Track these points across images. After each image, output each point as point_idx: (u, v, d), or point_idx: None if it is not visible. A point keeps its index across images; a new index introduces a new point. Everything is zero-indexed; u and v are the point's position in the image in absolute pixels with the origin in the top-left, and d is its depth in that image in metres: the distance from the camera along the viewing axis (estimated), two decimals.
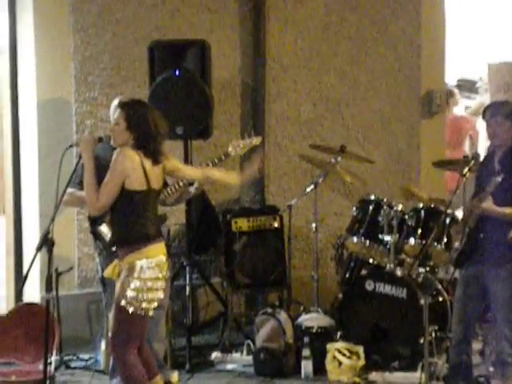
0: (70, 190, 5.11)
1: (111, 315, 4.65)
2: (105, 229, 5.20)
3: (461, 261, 5.12)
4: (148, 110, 4.61)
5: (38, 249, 4.38)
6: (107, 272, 4.65)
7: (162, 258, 4.55)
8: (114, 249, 4.81)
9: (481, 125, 9.55)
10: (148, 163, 4.54)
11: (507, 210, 4.83)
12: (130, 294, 4.45)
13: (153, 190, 4.57)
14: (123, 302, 4.46)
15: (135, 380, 4.53)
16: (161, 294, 4.55)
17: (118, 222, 4.60)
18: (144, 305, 4.47)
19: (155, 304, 4.53)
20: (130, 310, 4.45)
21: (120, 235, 4.61)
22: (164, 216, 5.68)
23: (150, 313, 4.52)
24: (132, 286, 4.45)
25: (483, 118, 5.25)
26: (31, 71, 6.47)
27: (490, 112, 5.14)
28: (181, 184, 5.42)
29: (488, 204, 4.82)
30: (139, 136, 4.53)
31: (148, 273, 4.47)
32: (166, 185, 5.17)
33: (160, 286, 4.53)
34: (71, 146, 4.88)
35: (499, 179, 4.70)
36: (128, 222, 4.53)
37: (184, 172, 4.88)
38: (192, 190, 5.39)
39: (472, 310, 5.12)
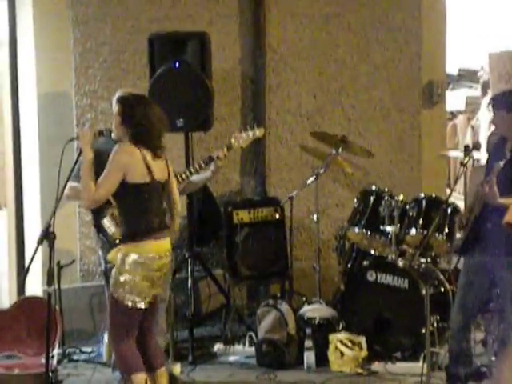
0: (72, 184, 5.12)
1: None
2: (108, 222, 5.21)
3: (465, 248, 5.11)
4: (145, 106, 4.62)
5: (39, 242, 4.39)
6: (110, 255, 4.69)
7: (155, 255, 4.56)
8: (117, 241, 4.84)
9: (483, 115, 9.57)
10: (149, 156, 4.57)
11: (504, 200, 4.78)
12: (120, 285, 4.50)
13: (157, 182, 4.58)
14: (115, 293, 4.52)
15: (128, 370, 4.56)
16: (154, 290, 4.58)
17: (123, 216, 4.66)
18: (133, 298, 4.50)
19: (147, 298, 4.55)
20: (121, 301, 4.51)
21: (125, 229, 4.65)
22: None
23: (141, 305, 4.54)
24: (121, 278, 4.50)
25: (488, 107, 5.24)
26: (31, 64, 6.47)
27: (490, 103, 5.12)
28: (183, 176, 5.44)
29: (492, 191, 4.76)
30: (134, 131, 4.56)
31: (139, 268, 4.51)
32: None
33: (152, 282, 4.55)
34: (72, 140, 4.89)
35: (501, 164, 4.69)
36: (132, 215, 4.59)
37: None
38: (208, 173, 5.51)
39: (474, 298, 5.11)
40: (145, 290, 4.53)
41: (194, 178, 5.53)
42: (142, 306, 4.55)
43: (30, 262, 4.43)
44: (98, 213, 5.24)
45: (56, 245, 4.45)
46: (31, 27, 6.44)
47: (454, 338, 5.21)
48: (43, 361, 4.68)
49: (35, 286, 6.30)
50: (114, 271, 4.59)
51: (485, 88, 9.29)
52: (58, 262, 5.93)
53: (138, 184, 4.53)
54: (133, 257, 4.52)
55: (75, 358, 6.07)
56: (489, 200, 4.76)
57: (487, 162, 5.20)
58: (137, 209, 4.58)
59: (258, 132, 5.62)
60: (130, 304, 4.52)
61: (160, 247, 4.59)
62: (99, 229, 5.32)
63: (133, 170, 4.51)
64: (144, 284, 4.52)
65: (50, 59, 6.48)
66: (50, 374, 5.03)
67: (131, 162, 4.52)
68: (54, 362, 5.61)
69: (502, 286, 5.00)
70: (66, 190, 4.93)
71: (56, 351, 5.69)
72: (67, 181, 4.75)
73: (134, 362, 4.59)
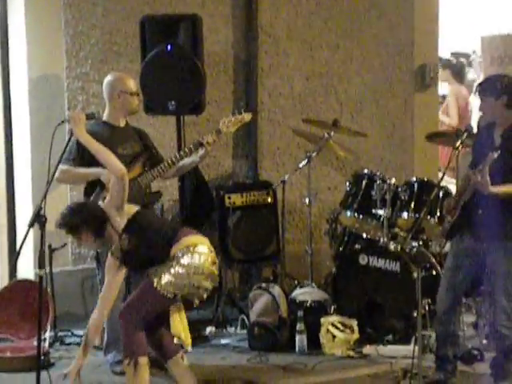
0: (65, 167, 5.12)
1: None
2: (102, 204, 5.21)
3: (454, 233, 5.12)
4: None
5: (30, 225, 4.37)
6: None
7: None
8: None
9: (474, 97, 9.56)
10: None
11: (496, 189, 4.77)
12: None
13: None
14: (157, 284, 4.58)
15: (138, 352, 4.64)
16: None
17: None
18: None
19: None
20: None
21: None
22: (159, 193, 5.71)
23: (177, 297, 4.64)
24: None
25: (476, 93, 5.22)
26: (22, 47, 6.43)
27: (482, 90, 5.09)
28: (173, 159, 5.45)
29: (484, 180, 4.75)
30: None
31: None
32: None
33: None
34: (63, 122, 4.87)
35: (495, 155, 4.68)
36: None
37: None
38: (196, 158, 5.54)
39: (463, 279, 5.11)
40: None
41: (182, 162, 5.54)
42: (177, 297, 4.64)
43: (21, 245, 4.43)
44: (92, 197, 5.23)
45: (47, 228, 4.44)
46: (22, 10, 6.40)
47: (440, 320, 5.22)
48: (35, 343, 4.68)
49: (27, 269, 6.29)
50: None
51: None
52: (50, 246, 5.91)
53: None
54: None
55: (67, 340, 6.07)
56: (480, 188, 4.76)
57: (474, 146, 5.20)
58: None
59: (246, 116, 5.66)
60: (170, 295, 4.59)
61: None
62: None
63: None
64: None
65: (40, 42, 6.45)
66: (42, 356, 5.03)
67: None
68: (46, 344, 5.62)
69: (493, 269, 5.01)
70: (58, 174, 4.91)
71: (48, 334, 5.69)
72: (58, 164, 4.74)
73: (143, 346, 4.67)
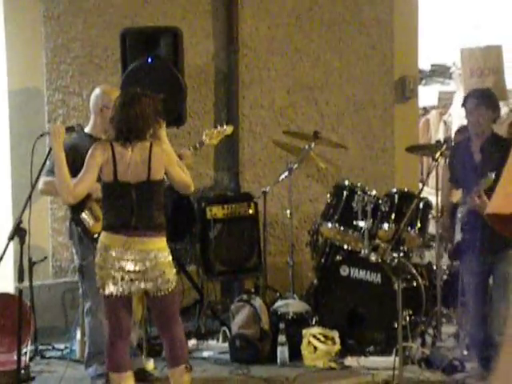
0: (47, 178, 5.10)
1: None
2: (86, 215, 5.21)
3: (462, 251, 5.21)
4: (124, 103, 4.69)
5: (10, 238, 4.36)
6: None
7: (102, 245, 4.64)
8: (95, 235, 4.86)
9: (454, 109, 9.62)
10: (123, 153, 4.58)
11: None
12: None
13: (121, 183, 4.61)
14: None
15: None
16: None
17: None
18: None
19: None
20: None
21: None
22: None
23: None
24: None
25: (463, 105, 5.25)
26: (2, 60, 6.41)
27: (472, 101, 5.13)
28: None
29: (482, 203, 4.82)
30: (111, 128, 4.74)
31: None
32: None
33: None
34: (42, 135, 4.88)
35: (493, 176, 4.73)
36: (104, 210, 4.77)
37: (170, 174, 4.79)
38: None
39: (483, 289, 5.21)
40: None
41: None
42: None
43: (1, 258, 4.40)
44: (76, 206, 5.23)
45: (28, 241, 4.43)
46: (2, 22, 6.39)
47: (477, 327, 5.29)
48: (15, 358, 4.65)
49: (7, 282, 6.25)
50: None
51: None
52: (30, 259, 5.87)
53: (105, 182, 4.69)
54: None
55: (48, 354, 6.04)
56: (480, 211, 4.83)
57: (450, 160, 5.25)
58: (104, 204, 4.76)
59: (228, 129, 5.72)
60: None
61: (108, 239, 4.66)
62: (77, 222, 5.31)
63: (103, 168, 4.63)
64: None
65: (21, 54, 6.44)
66: (22, 371, 5.01)
67: (104, 160, 4.62)
68: (27, 358, 5.58)
69: (498, 276, 5.11)
70: (41, 185, 4.91)
71: (28, 348, 5.66)
72: (38, 176, 4.73)
73: None
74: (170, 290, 4.67)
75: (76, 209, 5.25)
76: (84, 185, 4.62)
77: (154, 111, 4.69)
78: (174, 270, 4.78)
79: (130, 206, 4.63)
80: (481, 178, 4.83)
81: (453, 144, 5.51)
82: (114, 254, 4.58)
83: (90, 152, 4.65)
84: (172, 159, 4.74)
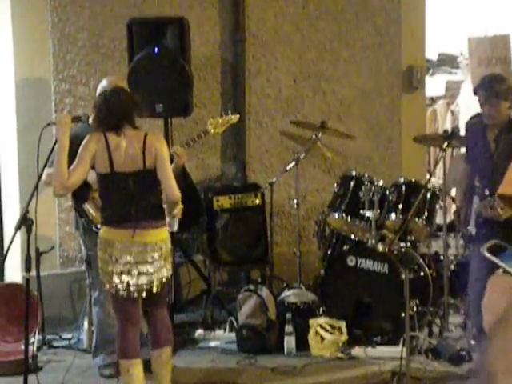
0: (50, 170, 5.09)
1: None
2: (88, 206, 5.21)
3: (472, 242, 5.20)
4: (108, 94, 4.74)
5: (17, 228, 4.37)
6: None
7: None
8: (98, 226, 4.85)
9: (462, 99, 9.59)
10: (116, 142, 4.57)
11: (508, 213, 4.83)
12: None
13: (119, 174, 4.60)
14: None
15: None
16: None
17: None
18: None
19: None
20: None
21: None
22: None
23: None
24: None
25: (476, 94, 5.18)
26: (9, 50, 6.40)
27: (482, 94, 5.06)
28: None
29: (495, 212, 4.83)
30: (96, 117, 4.73)
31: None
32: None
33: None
34: (49, 125, 4.87)
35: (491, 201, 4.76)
36: (102, 202, 4.75)
37: (160, 172, 4.71)
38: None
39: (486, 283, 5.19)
40: None
41: None
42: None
43: (8, 248, 4.42)
44: (79, 197, 5.23)
45: (35, 231, 4.43)
46: (8, 12, 6.37)
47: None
48: (23, 347, 4.66)
49: (14, 272, 6.27)
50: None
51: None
52: (37, 249, 5.88)
53: (101, 174, 4.66)
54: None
55: (55, 344, 6.05)
56: (494, 219, 4.83)
57: (468, 149, 5.21)
58: (101, 198, 4.76)
59: (234, 117, 5.65)
60: None
61: (113, 234, 4.66)
62: (81, 213, 5.31)
63: (98, 160, 4.62)
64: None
65: (27, 45, 6.43)
66: (30, 360, 5.01)
67: (98, 151, 4.62)
68: (34, 348, 5.59)
69: None
70: (44, 177, 4.90)
71: (36, 338, 5.66)
72: (44, 167, 4.74)
73: None
74: (168, 277, 4.72)
75: (78, 200, 5.25)
76: (76, 176, 4.60)
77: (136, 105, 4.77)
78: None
79: (129, 197, 4.61)
80: (496, 166, 4.81)
81: (468, 132, 5.40)
82: (118, 247, 4.58)
83: (83, 143, 4.64)
84: (166, 157, 4.73)
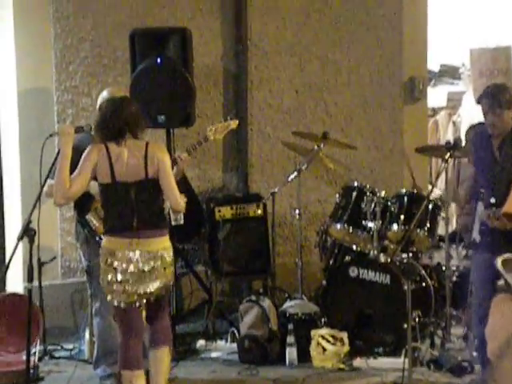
0: (51, 181, 5.09)
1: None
2: (91, 216, 5.21)
3: (475, 248, 5.18)
4: (110, 106, 4.74)
5: (19, 238, 4.37)
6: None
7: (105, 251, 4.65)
8: (101, 236, 4.85)
9: (464, 110, 9.60)
10: (118, 153, 4.56)
11: None
12: None
13: (120, 184, 4.60)
14: None
15: None
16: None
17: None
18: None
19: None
20: None
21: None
22: None
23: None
24: None
25: (479, 103, 5.18)
26: (11, 60, 6.42)
27: (485, 103, 5.07)
28: None
29: (501, 223, 4.83)
30: (98, 128, 4.72)
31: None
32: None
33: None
34: (51, 136, 4.88)
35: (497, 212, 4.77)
36: (104, 213, 4.74)
37: (163, 183, 4.71)
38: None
39: (488, 291, 5.17)
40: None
41: None
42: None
43: (10, 259, 4.42)
44: (82, 208, 5.23)
45: (37, 241, 4.43)
46: (11, 22, 6.39)
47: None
48: (24, 358, 4.66)
49: (16, 283, 6.26)
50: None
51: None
52: (39, 259, 5.90)
53: (103, 184, 4.66)
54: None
55: (56, 354, 6.04)
56: (500, 228, 4.82)
57: (474, 158, 5.21)
58: (104, 208, 4.74)
59: (233, 123, 5.63)
60: None
61: (112, 243, 4.66)
62: (83, 224, 5.31)
63: (100, 170, 4.62)
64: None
65: (30, 55, 6.44)
66: (31, 371, 5.01)
67: (99, 161, 4.62)
68: (36, 358, 5.58)
69: None
70: (46, 188, 4.90)
71: (37, 348, 5.66)
72: (47, 178, 4.74)
73: None
74: (170, 286, 4.74)
75: (81, 210, 5.25)
76: (77, 186, 4.61)
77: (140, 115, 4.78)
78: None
79: (130, 207, 4.61)
80: (501, 174, 4.81)
81: (476, 141, 5.39)
82: (119, 257, 4.58)
83: (84, 154, 4.65)
84: (169, 167, 4.73)
